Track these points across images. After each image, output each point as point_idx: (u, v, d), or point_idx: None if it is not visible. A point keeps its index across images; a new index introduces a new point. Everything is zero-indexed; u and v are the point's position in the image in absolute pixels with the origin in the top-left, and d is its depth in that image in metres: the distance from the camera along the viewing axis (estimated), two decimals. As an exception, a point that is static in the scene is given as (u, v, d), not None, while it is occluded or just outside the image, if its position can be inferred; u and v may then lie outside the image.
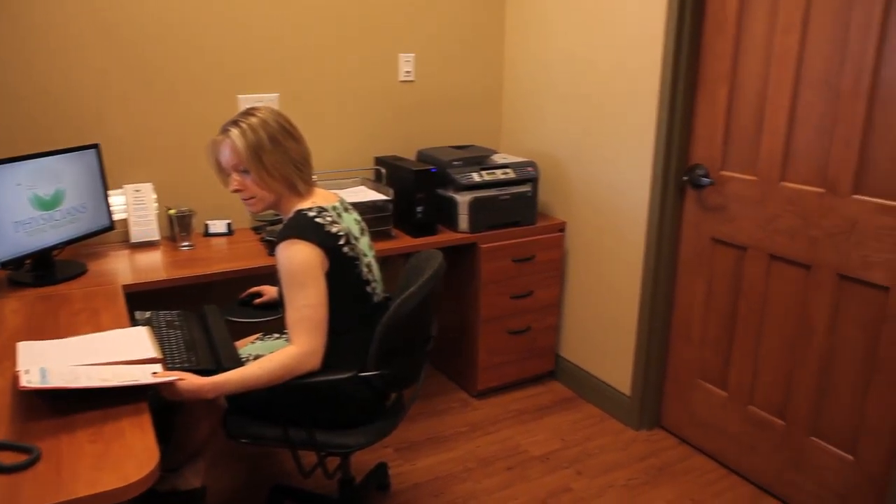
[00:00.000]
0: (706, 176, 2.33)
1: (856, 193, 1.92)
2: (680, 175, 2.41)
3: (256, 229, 2.64)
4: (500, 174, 2.69)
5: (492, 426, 2.70)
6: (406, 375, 1.82)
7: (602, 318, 2.78)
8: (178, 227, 2.40)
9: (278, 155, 1.69)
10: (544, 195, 3.00)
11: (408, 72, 2.92)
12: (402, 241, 2.54)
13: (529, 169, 2.75)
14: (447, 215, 2.69)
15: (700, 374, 2.50)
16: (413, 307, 1.67)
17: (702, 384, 2.49)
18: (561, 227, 2.87)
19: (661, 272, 2.50)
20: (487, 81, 3.13)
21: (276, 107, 2.63)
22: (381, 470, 2.28)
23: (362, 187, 2.74)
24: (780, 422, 2.24)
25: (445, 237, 2.62)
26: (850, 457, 2.05)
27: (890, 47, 1.79)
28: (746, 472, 2.37)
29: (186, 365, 1.58)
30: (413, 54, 2.91)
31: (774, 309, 2.20)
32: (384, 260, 3.03)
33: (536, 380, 3.07)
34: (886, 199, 1.85)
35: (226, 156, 1.70)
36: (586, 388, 2.90)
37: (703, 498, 2.29)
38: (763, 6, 2.09)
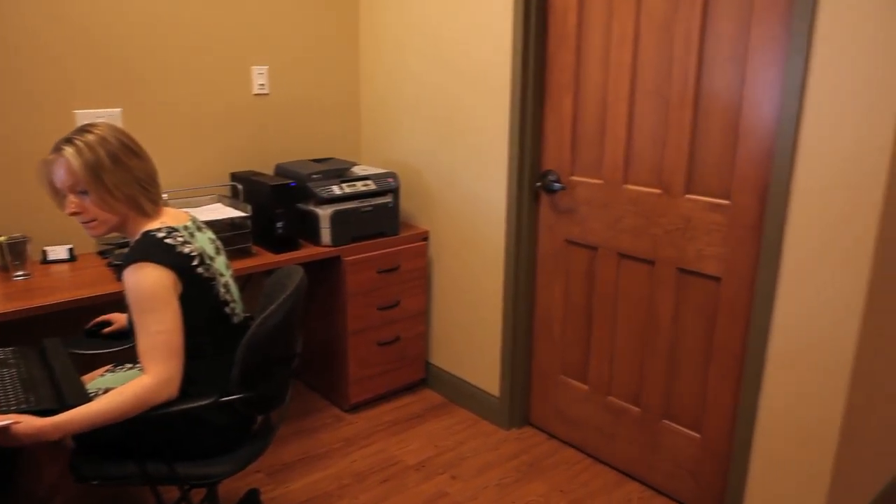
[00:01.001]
0: (558, 181, 2.45)
1: (688, 193, 2.10)
2: (534, 181, 2.52)
3: (103, 253, 2.47)
4: (360, 186, 2.68)
5: (366, 439, 2.68)
6: (272, 396, 1.77)
7: (468, 323, 2.85)
8: (10, 255, 2.19)
9: (121, 174, 1.59)
10: (406, 205, 3.03)
11: (262, 85, 2.85)
12: (264, 258, 2.47)
13: (390, 180, 2.77)
14: (309, 229, 2.64)
15: (562, 371, 2.62)
16: (274, 325, 1.63)
17: (565, 380, 2.61)
18: (424, 236, 2.91)
19: (522, 275, 2.59)
20: (344, 93, 3.12)
21: (118, 123, 2.48)
22: (252, 496, 2.19)
23: (218, 205, 2.63)
24: (635, 409, 2.39)
25: (308, 252, 2.57)
26: (698, 435, 2.22)
27: (708, 61, 1.98)
28: (610, 459, 2.51)
29: (24, 406, 1.44)
30: (266, 67, 2.84)
31: (625, 304, 2.35)
32: (246, 279, 2.93)
33: (408, 389, 3.08)
34: (713, 197, 2.04)
35: (60, 176, 1.58)
36: (457, 393, 2.95)
37: (571, 488, 2.39)
38: (599, 22, 2.23)
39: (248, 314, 1.85)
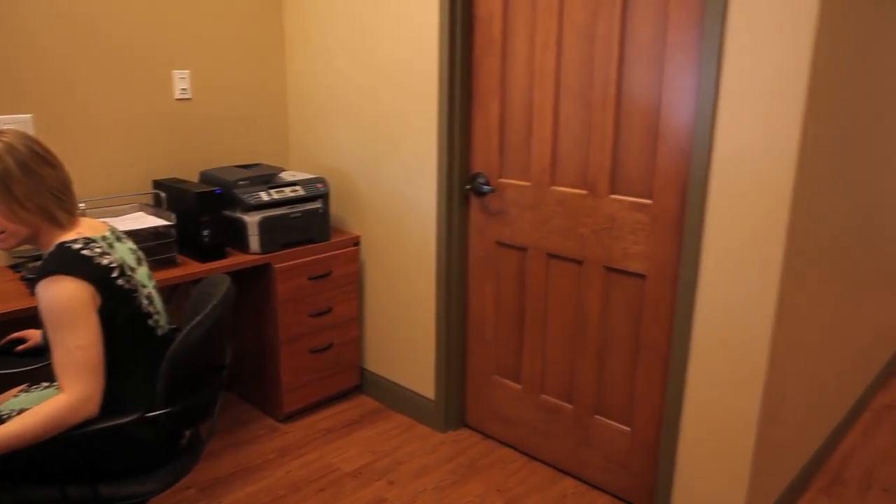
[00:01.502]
0: (487, 184, 2.47)
1: (613, 193, 2.16)
2: (463, 184, 2.54)
3: (14, 267, 2.35)
4: (289, 192, 2.64)
5: (301, 449, 2.64)
6: (200, 409, 1.72)
7: (402, 327, 2.84)
8: (-89, 271, 2.06)
9: (32, 184, 1.52)
10: (337, 210, 3.01)
11: (184, 89, 2.77)
12: (190, 268, 2.40)
13: (319, 185, 2.74)
14: (237, 237, 2.59)
15: (497, 371, 2.64)
16: (201, 336, 1.58)
17: (499, 380, 2.64)
18: (355, 241, 2.89)
19: (453, 277, 2.61)
20: (271, 97, 3.07)
21: (28, 130, 2.37)
22: (182, 514, 2.13)
23: (140, 213, 2.54)
24: (568, 406, 2.44)
25: (236, 260, 2.52)
26: (628, 428, 2.28)
27: (628, 65, 2.04)
28: (545, 457, 2.55)
29: (-72, 432, 1.36)
30: (188, 71, 2.77)
31: (556, 303, 2.39)
32: (172, 289, 2.84)
33: (343, 396, 3.05)
34: (636, 196, 2.10)
35: (-36, 188, 1.50)
36: (393, 397, 2.94)
37: (508, 487, 2.42)
38: (523, 28, 2.27)
39: (173, 326, 1.80)
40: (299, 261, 2.67)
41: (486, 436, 2.75)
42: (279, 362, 2.71)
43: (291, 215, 2.64)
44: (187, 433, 1.82)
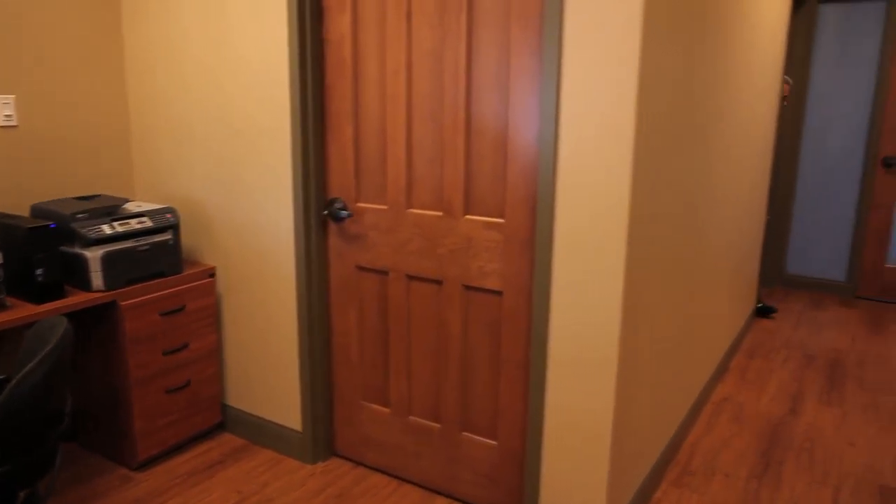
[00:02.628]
0: (344, 208, 2.46)
1: (467, 214, 2.22)
2: (320, 209, 2.51)
3: None
4: (135, 224, 2.50)
5: (160, 497, 2.47)
6: (36, 466, 1.57)
7: (265, 358, 2.75)
8: None
9: None
10: (190, 241, 2.87)
11: (8, 115, 2.55)
12: (22, 311, 2.19)
13: (168, 215, 2.61)
14: (77, 274, 2.40)
15: (364, 396, 2.62)
16: (34, 385, 1.45)
17: (367, 405, 2.62)
18: (211, 272, 2.77)
19: (315, 304, 2.57)
20: (111, 124, 2.89)
21: None
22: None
23: (-40, 254, 2.30)
24: (436, 425, 2.46)
25: (77, 299, 2.33)
26: (494, 442, 2.34)
27: (476, 89, 2.12)
28: (417, 478, 2.55)
29: None
30: (13, 96, 2.55)
31: (418, 323, 2.41)
32: (1, 336, 2.59)
33: (205, 435, 2.90)
34: (490, 216, 2.17)
35: None
36: (258, 433, 2.83)
37: (380, 513, 2.40)
38: (374, 52, 2.29)
39: (2, 375, 1.63)
40: (149, 296, 2.52)
41: (357, 463, 2.71)
42: (131, 406, 2.53)
43: (139, 248, 2.50)
44: (22, 493, 1.65)
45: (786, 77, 4.60)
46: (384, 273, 2.45)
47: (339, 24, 2.35)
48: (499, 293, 2.21)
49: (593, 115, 1.87)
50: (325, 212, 2.50)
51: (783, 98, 4.61)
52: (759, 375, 3.67)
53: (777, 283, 5.38)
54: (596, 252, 1.94)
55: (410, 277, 2.39)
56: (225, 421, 2.95)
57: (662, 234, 2.24)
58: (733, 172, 3.24)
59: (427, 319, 2.39)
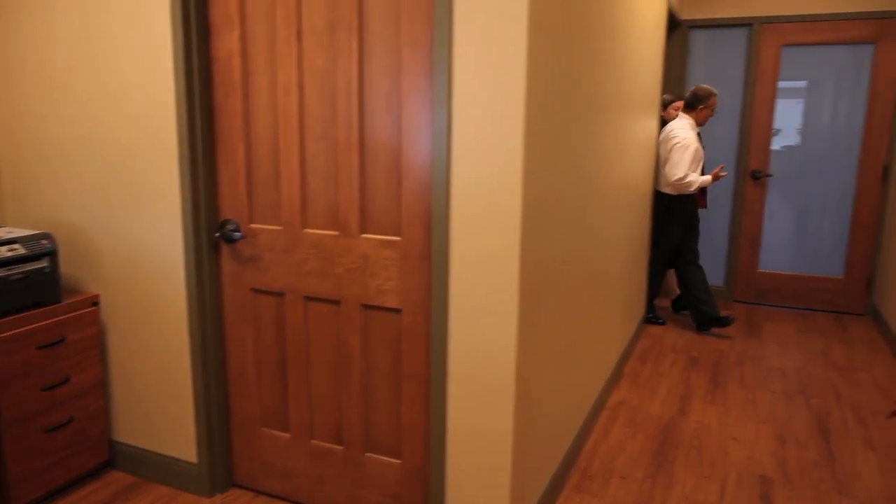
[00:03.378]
0: (237, 230, 2.40)
1: (363, 233, 2.21)
2: (212, 232, 2.43)
3: None
4: (5, 252, 2.32)
5: (39, 545, 2.30)
6: None
7: (156, 389, 2.62)
8: None
9: None
10: (70, 269, 2.70)
11: None
12: None
13: (44, 242, 2.45)
14: (-62, 309, 2.21)
15: (263, 423, 2.54)
16: None
17: (266, 431, 2.54)
18: (94, 301, 2.62)
19: (208, 330, 2.48)
20: (-24, 146, 2.68)
21: None
22: None
23: None
24: (339, 447, 2.42)
25: (-61, 336, 2.14)
26: (398, 461, 2.33)
27: (368, 108, 2.13)
28: (321, 503, 2.51)
29: None
30: None
31: (317, 345, 2.37)
32: None
33: (91, 475, 2.72)
34: (386, 234, 2.18)
35: None
36: (151, 468, 2.69)
37: (283, 543, 2.33)
38: (264, 69, 2.26)
39: None
40: (24, 329, 2.35)
41: (259, 492, 2.62)
42: (4, 449, 2.34)
43: (11, 278, 2.33)
44: None
45: (666, 96, 4.88)
46: (281, 295, 2.40)
47: (227, 42, 2.30)
48: (398, 311, 2.21)
49: (484, 133, 1.92)
50: (217, 234, 2.42)
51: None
52: (650, 379, 3.85)
53: (665, 292, 5.68)
54: (491, 265, 1.99)
55: (308, 298, 2.35)
56: (114, 458, 2.78)
57: (556, 244, 2.32)
58: (620, 185, 3.40)
59: (326, 340, 2.36)
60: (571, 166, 2.46)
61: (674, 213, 4.58)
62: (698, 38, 5.26)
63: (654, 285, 4.87)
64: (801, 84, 5.06)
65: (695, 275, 4.65)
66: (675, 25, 5.18)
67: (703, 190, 4.77)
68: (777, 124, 5.18)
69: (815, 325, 4.92)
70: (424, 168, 2.07)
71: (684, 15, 5.21)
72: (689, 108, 4.49)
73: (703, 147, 4.84)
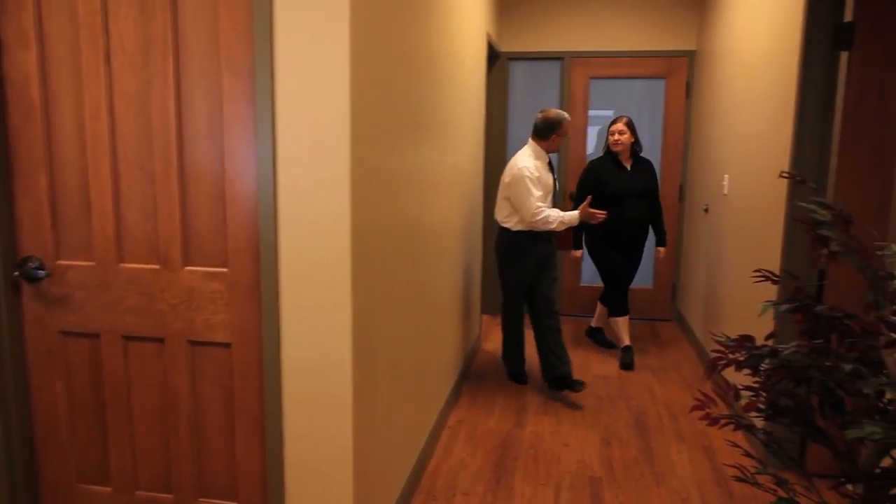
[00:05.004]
0: (41, 268, 2.18)
1: (187, 265, 2.10)
2: (10, 271, 2.19)
3: None
4: None
5: None
6: None
7: (-56, 453, 2.30)
8: None
9: None
10: None
11: None
12: None
13: None
14: None
15: (79, 478, 2.31)
16: None
17: (83, 488, 2.31)
18: None
19: (9, 382, 2.22)
20: None
21: None
22: None
23: None
24: (167, 496, 2.26)
25: None
26: (234, 503, 2.21)
27: (188, 136, 2.03)
28: (147, 560, 2.31)
29: None
30: None
31: (140, 388, 2.21)
32: None
33: None
34: (211, 266, 2.08)
35: None
36: (-61, 544, 2.34)
37: None
38: (69, 93, 2.09)
39: None
40: None
41: (75, 556, 2.37)
42: None
43: None
44: None
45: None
46: (96, 336, 2.21)
47: (23, 62, 2.10)
48: (227, 345, 2.12)
49: (310, 159, 1.91)
50: (17, 273, 2.18)
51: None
52: (487, 396, 3.98)
53: (498, 310, 5.91)
54: (323, 292, 1.96)
55: (128, 338, 2.19)
56: None
57: (388, 268, 2.34)
58: (448, 209, 3.51)
59: (150, 382, 2.20)
60: (400, 192, 2.50)
61: (514, 253, 3.90)
62: (517, 70, 5.60)
63: (511, 341, 4.20)
64: (609, 113, 5.54)
65: (549, 328, 3.96)
66: (495, 57, 5.47)
67: (572, 229, 4.30)
68: (588, 150, 5.62)
69: (631, 333, 5.36)
70: (251, 196, 2.02)
71: (503, 47, 5.52)
72: (540, 136, 3.84)
73: (556, 178, 4.08)
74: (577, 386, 3.86)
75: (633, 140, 4.38)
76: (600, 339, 5.02)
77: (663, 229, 4.61)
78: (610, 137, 4.40)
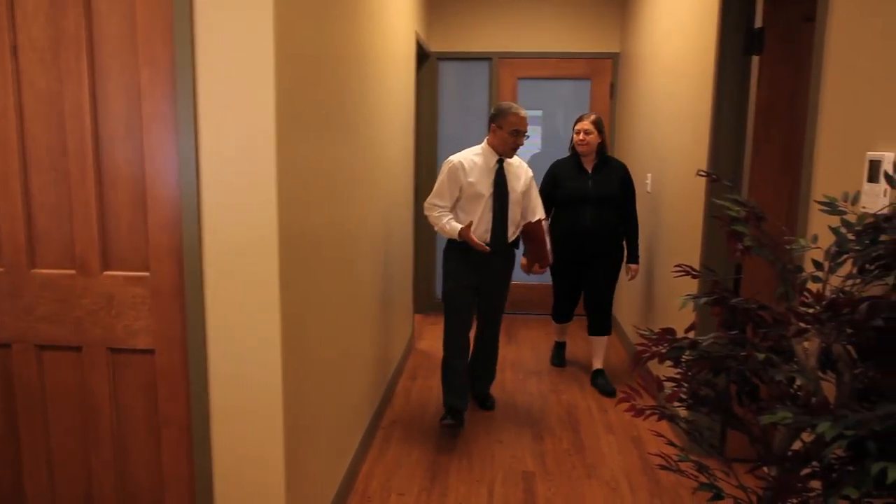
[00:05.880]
0: (-56, 275, 2.05)
1: (106, 270, 2.02)
2: None
3: None
4: None
5: None
6: None
7: None
8: None
9: None
10: None
11: None
12: None
13: None
14: None
15: (-10, 497, 2.19)
16: None
17: (-5, 507, 2.19)
18: None
19: (-88, 396, 2.08)
20: None
21: None
22: None
23: None
24: (88, 511, 2.16)
25: None
26: (160, 515, 2.14)
27: (105, 135, 1.95)
28: (67, 579, 2.21)
29: None
30: None
31: (56, 399, 2.11)
32: None
33: None
34: (132, 270, 2.01)
35: None
36: None
37: None
38: (-31, 91, 1.97)
39: None
40: None
41: (-13, 580, 2.24)
42: None
43: None
44: None
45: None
46: (6, 346, 2.09)
47: (-81, 58, 1.97)
48: (150, 352, 2.05)
49: (235, 159, 1.87)
50: (-83, 282, 2.05)
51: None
52: (421, 394, 3.98)
53: (430, 309, 5.92)
54: (250, 295, 1.92)
55: (41, 347, 2.08)
56: None
57: (317, 268, 2.31)
58: (379, 208, 3.49)
59: (67, 393, 2.10)
60: (328, 191, 2.48)
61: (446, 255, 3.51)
62: (447, 69, 5.62)
63: (451, 371, 3.45)
64: (538, 112, 5.64)
65: (457, 347, 3.47)
66: (424, 56, 5.48)
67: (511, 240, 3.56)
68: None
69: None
70: (173, 197, 1.95)
71: (433, 47, 5.54)
72: (488, 129, 3.41)
73: (499, 185, 3.39)
74: (447, 418, 3.36)
75: (600, 141, 3.88)
76: (561, 354, 4.59)
77: (635, 243, 4.02)
78: (575, 137, 3.91)
